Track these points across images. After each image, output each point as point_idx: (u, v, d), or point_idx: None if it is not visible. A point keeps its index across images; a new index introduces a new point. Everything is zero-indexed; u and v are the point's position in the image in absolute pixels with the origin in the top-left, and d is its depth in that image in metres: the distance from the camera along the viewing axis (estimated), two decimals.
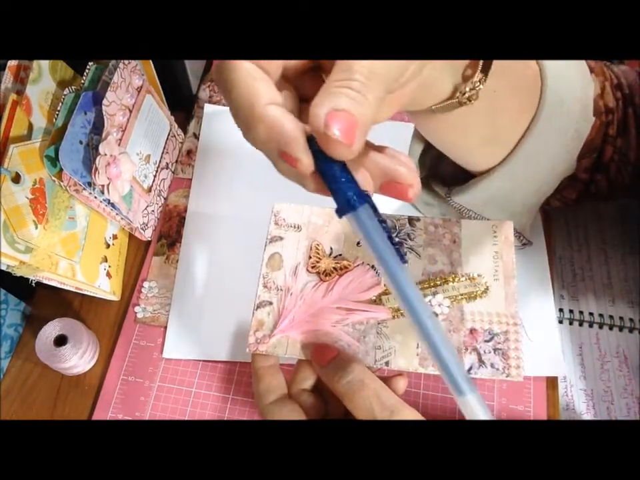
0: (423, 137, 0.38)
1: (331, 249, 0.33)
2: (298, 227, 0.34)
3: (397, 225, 0.34)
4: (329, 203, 0.36)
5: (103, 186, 0.39)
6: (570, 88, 0.34)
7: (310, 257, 0.33)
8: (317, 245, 0.33)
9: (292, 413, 0.29)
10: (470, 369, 0.30)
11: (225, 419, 0.42)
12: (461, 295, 0.32)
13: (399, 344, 0.31)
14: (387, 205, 0.49)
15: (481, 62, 0.28)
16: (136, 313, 0.45)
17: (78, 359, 0.41)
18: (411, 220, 0.34)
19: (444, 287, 0.32)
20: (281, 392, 0.30)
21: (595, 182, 0.40)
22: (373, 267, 0.33)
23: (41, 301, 0.46)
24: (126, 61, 0.41)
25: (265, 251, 0.33)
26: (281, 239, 0.34)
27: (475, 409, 0.24)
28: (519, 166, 0.34)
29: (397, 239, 0.34)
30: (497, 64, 0.28)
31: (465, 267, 0.32)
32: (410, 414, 0.27)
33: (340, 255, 0.33)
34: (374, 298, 0.32)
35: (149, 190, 0.47)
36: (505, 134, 0.33)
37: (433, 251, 0.33)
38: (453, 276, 0.32)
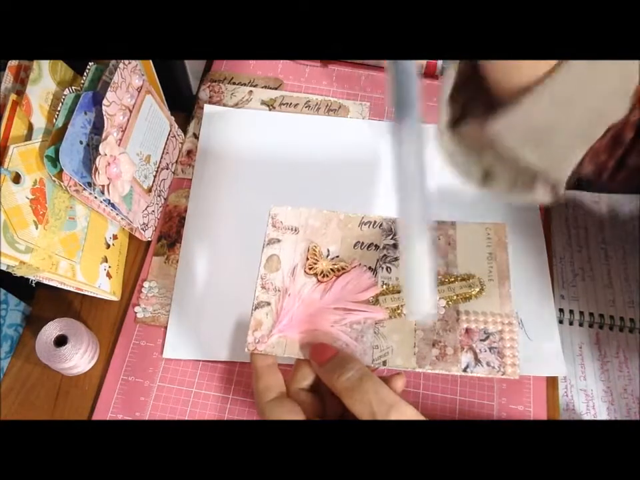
0: (453, 73, 0.34)
1: (328, 250, 0.34)
2: (295, 230, 0.34)
3: (392, 227, 0.35)
4: (326, 206, 0.36)
5: (103, 186, 0.39)
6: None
7: (307, 259, 0.33)
8: (314, 246, 0.34)
9: (290, 412, 0.29)
10: (466, 367, 0.30)
11: (225, 419, 0.42)
12: (457, 295, 0.32)
13: (396, 343, 0.31)
14: (386, 206, 0.49)
15: None
16: (136, 313, 0.45)
17: (78, 358, 0.41)
18: None
19: (440, 287, 0.32)
20: (280, 390, 0.30)
21: (636, 149, 0.36)
22: (370, 268, 0.33)
23: (40, 301, 0.46)
24: (126, 61, 0.41)
25: (262, 252, 0.34)
26: (279, 241, 0.34)
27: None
28: (566, 85, 0.30)
29: (392, 241, 0.34)
30: None
31: (460, 268, 0.33)
32: (409, 410, 0.27)
33: (337, 256, 0.34)
34: (371, 299, 0.32)
35: (149, 190, 0.47)
36: None
37: None
38: (449, 277, 0.33)
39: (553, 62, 0.31)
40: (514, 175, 0.38)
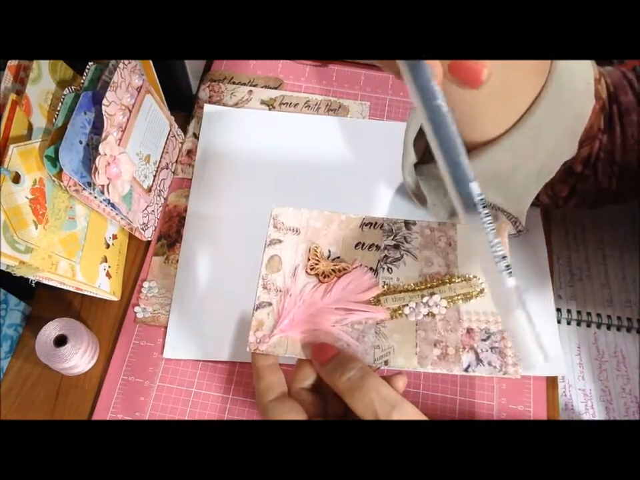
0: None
1: (329, 251, 0.34)
2: (296, 230, 0.34)
3: (393, 228, 0.35)
4: (326, 206, 0.36)
5: (102, 186, 0.39)
6: (579, 63, 0.34)
7: (309, 259, 0.33)
8: (316, 247, 0.34)
9: (292, 411, 0.29)
10: (468, 367, 0.30)
11: (225, 419, 0.42)
12: (457, 295, 0.32)
13: (398, 343, 0.31)
14: (383, 206, 0.49)
15: None
16: (136, 313, 0.45)
17: (78, 358, 0.41)
18: (407, 223, 0.35)
19: (440, 287, 0.32)
20: (281, 390, 0.30)
21: (583, 178, 0.40)
22: (371, 268, 0.33)
23: (41, 301, 0.46)
24: (126, 61, 0.41)
25: (264, 253, 0.34)
26: (280, 241, 0.34)
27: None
28: (524, 138, 0.34)
29: (393, 242, 0.34)
30: None
31: (460, 269, 0.33)
32: (410, 409, 0.27)
33: (338, 257, 0.34)
34: (372, 299, 0.32)
35: (149, 190, 0.47)
36: (515, 91, 0.33)
37: (429, 254, 0.34)
38: (449, 277, 0.33)
39: (517, 115, 0.34)
40: None
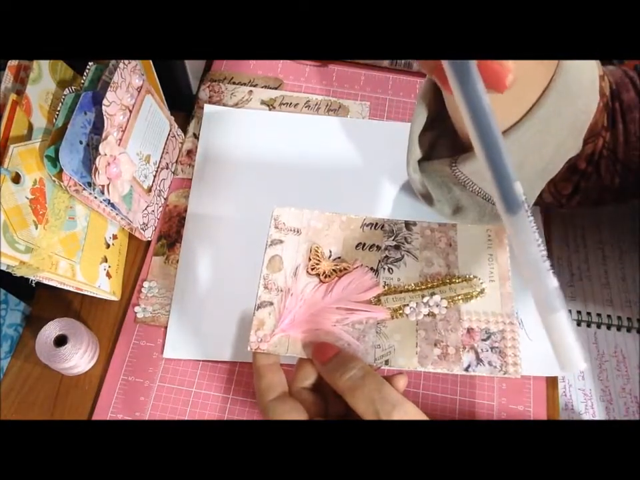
0: (424, 112, 0.38)
1: (330, 251, 0.34)
2: (297, 231, 0.35)
3: (394, 228, 0.35)
4: (326, 205, 0.36)
5: (102, 186, 0.39)
6: (584, 61, 0.34)
7: (310, 260, 0.34)
8: (317, 247, 0.34)
9: (292, 411, 0.29)
10: (468, 366, 0.30)
11: (225, 419, 0.42)
12: (458, 295, 0.32)
13: (398, 343, 0.31)
14: (384, 206, 0.49)
15: None
16: (136, 313, 0.45)
17: (78, 359, 0.41)
18: (408, 224, 0.35)
19: (441, 288, 0.33)
20: (282, 389, 0.30)
21: (586, 176, 0.40)
22: (372, 268, 0.33)
23: (41, 301, 0.46)
24: (126, 61, 0.41)
25: (265, 253, 0.34)
26: (281, 242, 0.34)
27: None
28: (532, 132, 0.34)
29: (393, 242, 0.34)
30: None
31: (461, 269, 0.33)
32: (411, 409, 0.27)
33: (339, 257, 0.34)
34: (373, 299, 0.32)
35: (149, 190, 0.47)
36: (525, 83, 0.32)
37: (429, 254, 0.34)
38: (450, 277, 0.33)
39: (522, 112, 0.34)
40: (482, 207, 0.40)
